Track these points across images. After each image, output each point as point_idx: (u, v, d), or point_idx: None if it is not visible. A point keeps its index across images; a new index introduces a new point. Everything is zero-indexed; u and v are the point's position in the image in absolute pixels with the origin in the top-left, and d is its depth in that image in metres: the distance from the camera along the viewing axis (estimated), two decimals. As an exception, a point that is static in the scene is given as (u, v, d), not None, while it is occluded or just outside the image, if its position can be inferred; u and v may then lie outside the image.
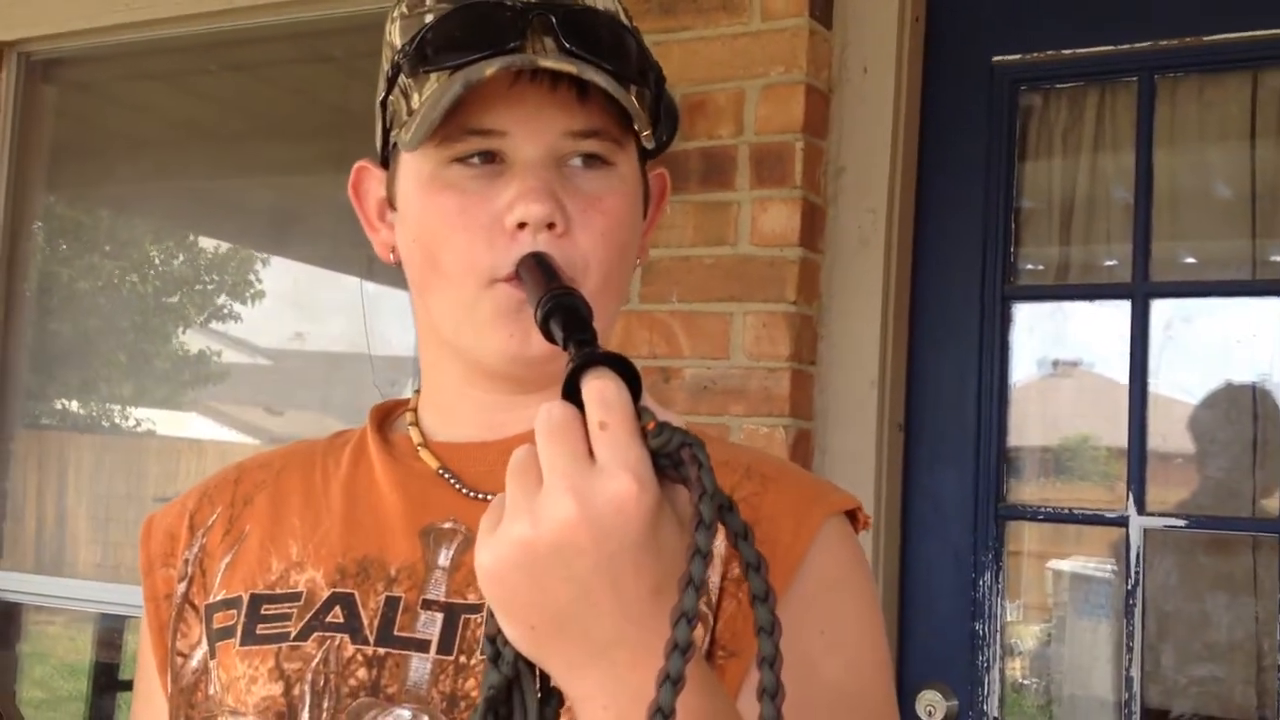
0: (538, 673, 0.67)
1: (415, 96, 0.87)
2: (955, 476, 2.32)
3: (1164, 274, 2.29)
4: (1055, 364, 2.46)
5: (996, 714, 2.26)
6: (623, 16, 0.92)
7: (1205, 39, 2.22)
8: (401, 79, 0.88)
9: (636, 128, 0.86)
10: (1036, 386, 2.46)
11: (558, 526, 0.61)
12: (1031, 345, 2.40)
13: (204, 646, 0.91)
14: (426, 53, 0.86)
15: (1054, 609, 2.49)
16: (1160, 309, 2.26)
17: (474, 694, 0.83)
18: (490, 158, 0.87)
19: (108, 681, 3.32)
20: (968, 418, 2.32)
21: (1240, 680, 2.23)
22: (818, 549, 0.88)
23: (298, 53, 3.19)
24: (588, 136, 0.87)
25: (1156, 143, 2.27)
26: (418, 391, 1.00)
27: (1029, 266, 2.41)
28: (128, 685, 3.33)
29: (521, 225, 0.85)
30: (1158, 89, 2.27)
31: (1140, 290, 2.25)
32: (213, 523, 0.96)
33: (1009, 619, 2.31)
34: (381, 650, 0.85)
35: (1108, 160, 2.37)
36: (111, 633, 3.37)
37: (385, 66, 0.91)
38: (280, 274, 3.74)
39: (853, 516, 0.94)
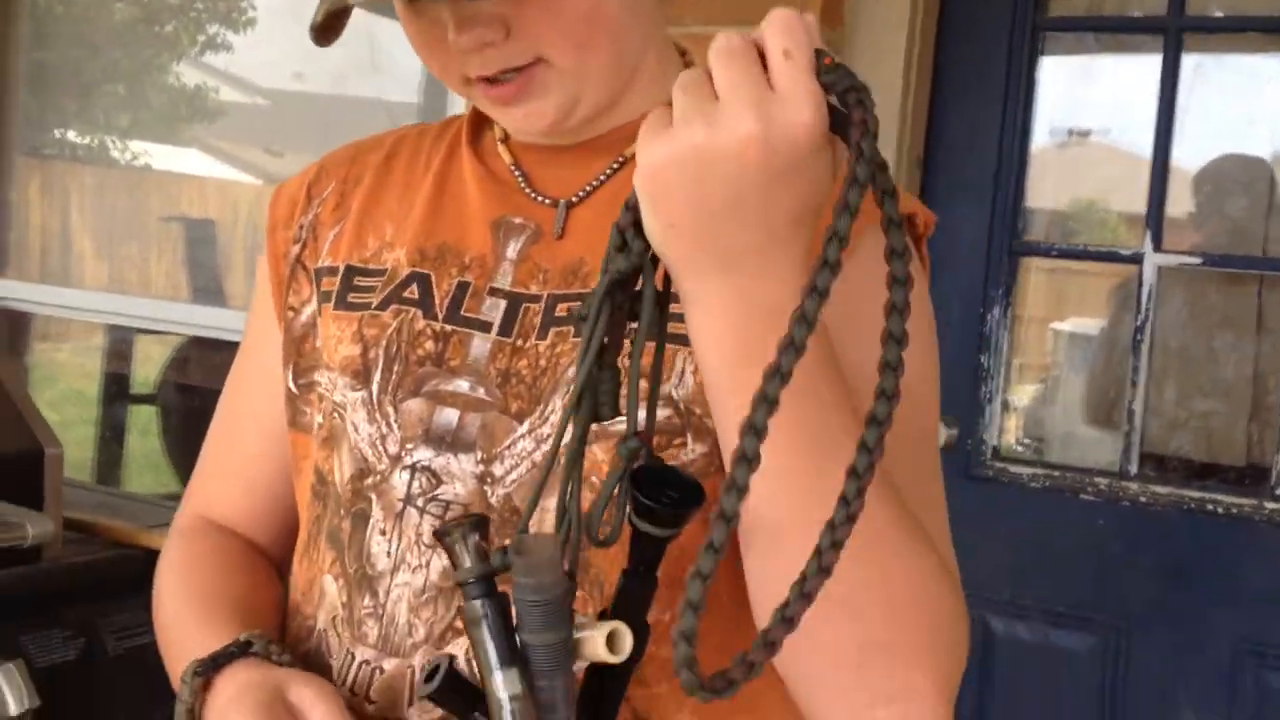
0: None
1: None
2: (972, 213, 2.31)
3: (1200, 8, 2.24)
4: (1080, 107, 2.42)
5: (996, 443, 2.31)
6: None
7: None
8: None
9: None
10: (1066, 107, 2.41)
11: (734, 139, 0.64)
12: (1058, 87, 2.35)
13: (313, 304, 0.98)
14: None
15: (1057, 354, 2.52)
16: (1192, 45, 2.20)
17: (524, 371, 0.87)
18: None
19: (118, 390, 3.38)
20: (988, 155, 2.29)
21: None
22: (869, 242, 0.85)
23: None
24: None
25: None
26: None
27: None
28: (137, 399, 3.40)
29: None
30: None
31: (1174, 24, 2.19)
32: (327, 195, 1.01)
33: (1016, 352, 2.34)
34: (448, 327, 0.90)
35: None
36: (121, 344, 3.42)
37: None
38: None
39: (912, 223, 0.92)
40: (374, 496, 0.89)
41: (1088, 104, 2.38)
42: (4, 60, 3.31)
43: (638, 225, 0.69)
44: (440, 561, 0.85)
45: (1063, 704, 2.28)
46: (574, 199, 0.93)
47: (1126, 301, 2.27)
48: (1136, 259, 2.22)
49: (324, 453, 0.94)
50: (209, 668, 0.86)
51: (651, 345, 0.73)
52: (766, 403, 0.59)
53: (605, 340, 0.70)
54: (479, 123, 1.00)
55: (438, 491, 0.87)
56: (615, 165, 0.93)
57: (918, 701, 0.75)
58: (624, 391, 0.71)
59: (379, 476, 0.89)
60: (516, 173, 0.95)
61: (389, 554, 0.88)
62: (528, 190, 0.94)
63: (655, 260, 0.70)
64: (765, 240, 0.67)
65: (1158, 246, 2.20)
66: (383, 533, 0.88)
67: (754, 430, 0.59)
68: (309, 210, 1.01)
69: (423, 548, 0.87)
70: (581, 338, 0.70)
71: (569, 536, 0.72)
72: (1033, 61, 2.27)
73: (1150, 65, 2.22)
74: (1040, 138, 2.32)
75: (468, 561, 0.72)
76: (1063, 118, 2.38)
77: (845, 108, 0.64)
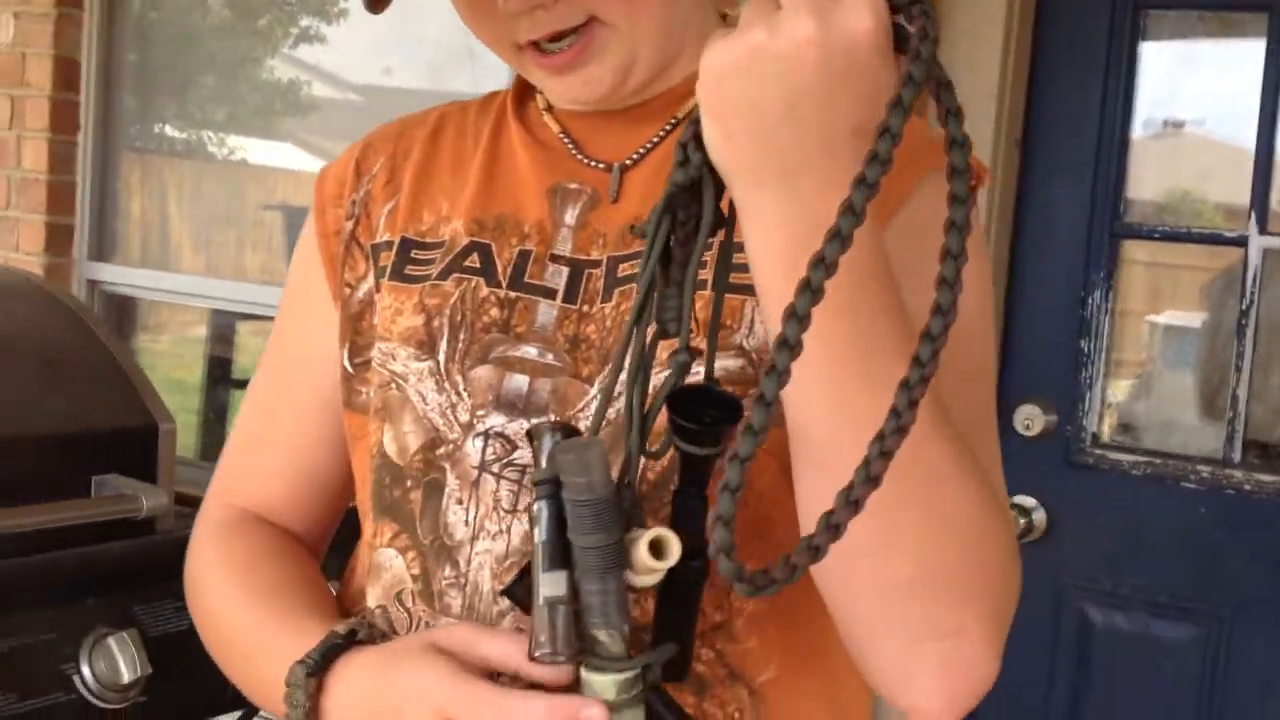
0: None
1: None
2: (1071, 195, 2.27)
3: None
4: (1182, 81, 2.37)
5: (1095, 430, 2.27)
6: None
7: None
8: None
9: None
10: (1165, 94, 2.36)
11: (792, 40, 0.64)
12: (1160, 61, 2.31)
13: (370, 281, 0.97)
14: None
15: (1153, 347, 2.48)
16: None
17: (593, 335, 0.88)
18: None
19: (221, 374, 3.44)
20: (1088, 136, 2.25)
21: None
22: (927, 190, 0.86)
23: None
24: None
25: None
26: None
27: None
28: (240, 384, 3.45)
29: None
30: None
31: (1281, 0, 2.15)
32: (376, 171, 1.01)
33: (1116, 339, 2.30)
34: (513, 294, 0.90)
35: None
36: (224, 329, 3.48)
37: None
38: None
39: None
40: (448, 466, 0.88)
41: (1187, 92, 2.33)
42: (110, 59, 3.39)
43: (699, 139, 0.69)
44: (520, 526, 0.85)
45: (1162, 694, 2.24)
46: (627, 162, 0.93)
47: (1229, 287, 2.22)
48: (1241, 242, 2.17)
49: (376, 424, 0.92)
50: (320, 667, 0.84)
51: (720, 297, 0.74)
52: (810, 291, 0.60)
53: (669, 258, 0.71)
54: (523, 94, 1.00)
55: (513, 457, 0.86)
56: (668, 127, 0.93)
57: (966, 637, 0.75)
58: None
59: (452, 445, 0.88)
60: (566, 140, 0.95)
61: (467, 523, 0.87)
62: (579, 156, 0.94)
63: (717, 178, 0.70)
64: (823, 152, 0.66)
65: (1263, 229, 2.15)
66: (459, 501, 0.88)
67: (795, 316, 0.59)
68: (359, 187, 1.01)
69: (501, 513, 0.86)
70: (643, 251, 0.71)
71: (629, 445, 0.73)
72: (1134, 41, 2.23)
73: (1253, 50, 2.18)
74: (1136, 129, 2.28)
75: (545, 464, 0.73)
76: (1161, 107, 2.33)
77: (908, 22, 0.65)
